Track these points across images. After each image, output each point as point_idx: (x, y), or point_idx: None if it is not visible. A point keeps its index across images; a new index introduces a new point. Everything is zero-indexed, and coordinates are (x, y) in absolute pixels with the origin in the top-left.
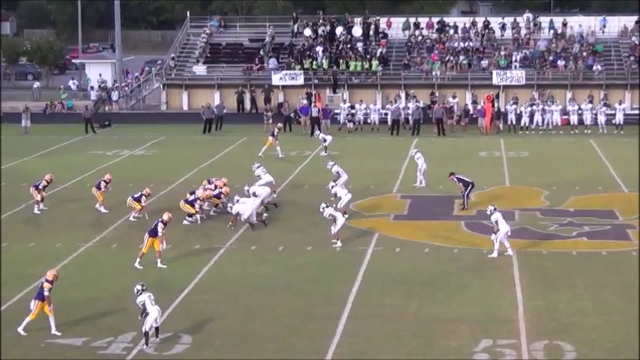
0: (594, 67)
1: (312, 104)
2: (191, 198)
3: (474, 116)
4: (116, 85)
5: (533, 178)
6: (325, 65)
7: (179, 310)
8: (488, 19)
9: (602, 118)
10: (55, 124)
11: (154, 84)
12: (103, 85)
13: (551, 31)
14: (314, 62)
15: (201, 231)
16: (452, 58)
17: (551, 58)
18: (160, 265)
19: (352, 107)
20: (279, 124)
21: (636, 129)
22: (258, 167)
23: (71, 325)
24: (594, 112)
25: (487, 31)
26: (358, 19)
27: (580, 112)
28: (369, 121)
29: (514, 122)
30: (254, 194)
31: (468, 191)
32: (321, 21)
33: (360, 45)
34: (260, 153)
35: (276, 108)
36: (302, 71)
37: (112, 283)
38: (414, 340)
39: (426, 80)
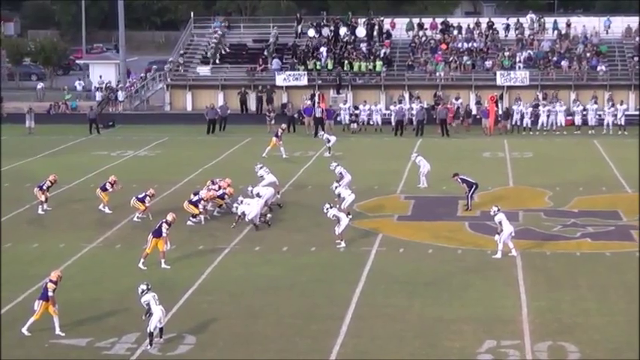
0: (598, 68)
1: (316, 105)
2: (195, 199)
3: (478, 117)
4: (120, 85)
5: (537, 179)
6: (329, 66)
7: (183, 310)
8: (492, 19)
9: (609, 119)
10: (59, 125)
11: (158, 85)
12: (108, 84)
13: (555, 32)
14: (318, 63)
15: (204, 232)
16: (456, 58)
17: (555, 58)
18: (163, 265)
19: (356, 108)
20: (283, 125)
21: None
22: (261, 168)
23: (75, 325)
24: (599, 112)
25: (491, 31)
26: (362, 20)
27: (585, 112)
28: (371, 122)
29: (518, 123)
30: (257, 195)
31: (471, 192)
32: (324, 22)
33: (363, 45)
34: (264, 154)
35: (280, 108)
36: (306, 72)
37: (116, 284)
38: (417, 340)
39: (429, 81)
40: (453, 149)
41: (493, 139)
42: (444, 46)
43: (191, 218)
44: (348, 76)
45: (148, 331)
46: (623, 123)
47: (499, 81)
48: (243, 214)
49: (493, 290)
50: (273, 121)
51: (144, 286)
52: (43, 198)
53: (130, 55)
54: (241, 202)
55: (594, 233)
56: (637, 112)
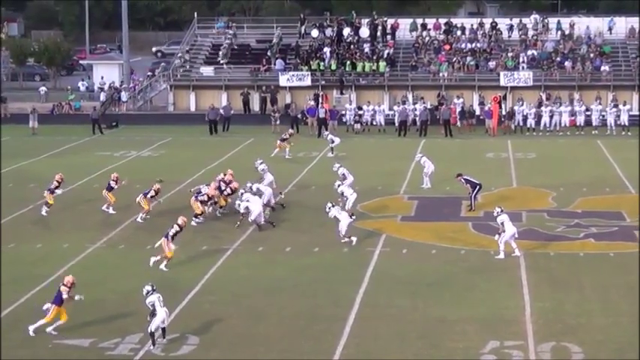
0: (602, 68)
1: (320, 105)
2: (201, 197)
3: (481, 117)
4: (124, 86)
5: (540, 180)
6: (332, 66)
7: (186, 311)
8: (496, 20)
9: (611, 119)
10: (62, 125)
11: (162, 85)
12: (112, 85)
13: (559, 32)
14: (321, 63)
15: (208, 232)
16: (459, 59)
17: (558, 59)
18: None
19: (359, 108)
20: (291, 130)
21: None
22: (261, 163)
23: (78, 325)
24: (603, 113)
25: (494, 32)
26: (365, 20)
27: (588, 113)
28: (374, 122)
29: (521, 123)
30: (258, 190)
31: (475, 192)
32: (328, 22)
33: (367, 46)
34: (272, 155)
35: (284, 109)
36: (309, 72)
37: (120, 284)
38: (420, 341)
39: (433, 81)
40: (456, 150)
41: (496, 140)
42: (447, 47)
43: (194, 218)
44: (352, 77)
45: (149, 331)
46: (626, 123)
47: (502, 81)
48: (247, 209)
49: (496, 291)
50: (277, 122)
51: (149, 287)
52: (51, 201)
53: (133, 56)
54: (241, 194)
55: (598, 234)
56: (639, 113)
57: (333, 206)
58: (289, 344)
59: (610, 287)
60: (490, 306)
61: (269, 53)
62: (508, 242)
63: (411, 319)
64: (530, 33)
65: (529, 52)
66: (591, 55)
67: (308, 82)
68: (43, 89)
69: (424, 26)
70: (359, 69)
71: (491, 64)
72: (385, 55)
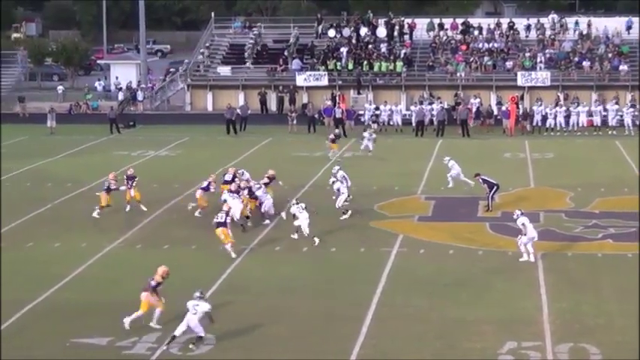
0: (620, 68)
1: (337, 105)
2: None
3: (499, 117)
4: (142, 85)
5: (558, 180)
6: (349, 66)
7: None
8: (513, 20)
9: (629, 120)
10: (80, 125)
11: (179, 85)
12: (129, 84)
13: (577, 32)
14: (338, 63)
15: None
16: (476, 59)
17: (576, 59)
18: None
19: (376, 108)
20: (337, 131)
21: None
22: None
23: (96, 324)
24: (620, 113)
25: (512, 32)
26: (382, 20)
27: (605, 113)
28: (391, 122)
29: (539, 123)
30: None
31: (492, 193)
32: (345, 22)
33: (384, 46)
34: (329, 155)
35: (301, 109)
36: (326, 72)
37: (137, 284)
38: (438, 341)
39: (450, 81)
40: (473, 150)
41: (514, 140)
42: (464, 47)
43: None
44: (369, 77)
45: (174, 334)
46: None
47: (520, 81)
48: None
49: (514, 291)
50: (294, 122)
51: (197, 294)
52: (104, 202)
53: (150, 55)
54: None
55: (616, 234)
56: None
57: (295, 204)
58: (306, 344)
59: (628, 288)
60: (507, 306)
61: (286, 53)
62: (525, 245)
63: (429, 320)
64: (548, 33)
65: (547, 52)
66: (609, 55)
67: (325, 82)
68: (60, 89)
69: (441, 26)
70: (376, 69)
71: (509, 64)
72: (402, 55)
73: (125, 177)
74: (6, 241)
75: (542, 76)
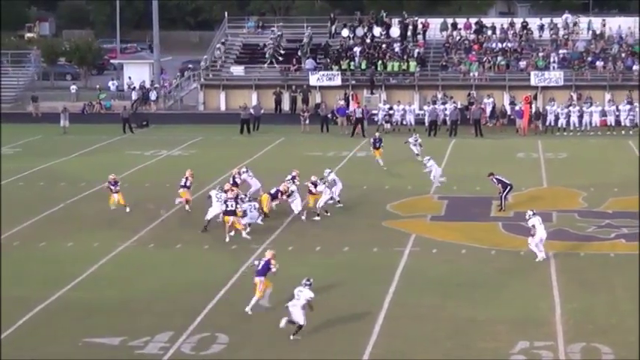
0: (634, 68)
1: (357, 105)
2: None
3: (512, 117)
4: (155, 85)
5: (571, 180)
6: (363, 66)
7: (216, 309)
8: (527, 19)
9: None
10: (93, 125)
11: (192, 84)
12: (142, 84)
13: (590, 32)
14: (351, 63)
15: (238, 231)
16: (489, 58)
17: (589, 58)
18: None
19: (390, 108)
20: (377, 134)
21: None
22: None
23: (108, 324)
24: (633, 113)
25: (525, 31)
26: (396, 20)
27: (617, 113)
28: (404, 122)
29: (552, 123)
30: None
31: (505, 193)
32: (358, 22)
33: (397, 46)
34: (382, 166)
35: (314, 109)
36: (339, 72)
37: (149, 283)
38: (450, 341)
39: (463, 81)
40: (486, 150)
41: (527, 140)
42: (477, 47)
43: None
44: (382, 76)
45: (299, 324)
46: None
47: (533, 81)
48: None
49: (527, 291)
50: (307, 121)
51: (305, 281)
52: (187, 196)
53: (164, 55)
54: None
55: (629, 234)
56: None
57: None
58: (319, 343)
59: None
60: (520, 306)
61: (299, 53)
62: (536, 246)
63: (441, 319)
64: (561, 33)
65: (560, 52)
66: (623, 54)
67: (338, 81)
68: (74, 88)
69: (454, 26)
70: (389, 69)
71: (522, 63)
72: (415, 55)
73: (108, 182)
74: (19, 239)
75: (556, 76)
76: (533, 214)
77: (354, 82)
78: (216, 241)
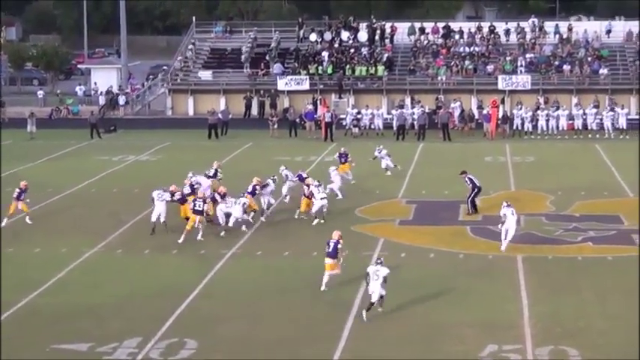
0: (600, 72)
1: (326, 110)
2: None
3: (479, 121)
4: (123, 90)
5: (538, 183)
6: (330, 70)
7: (185, 315)
8: (494, 23)
9: (608, 123)
10: (60, 130)
11: (160, 89)
12: (109, 88)
13: (557, 36)
14: (319, 67)
15: (206, 236)
16: (457, 62)
17: (556, 62)
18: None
19: (358, 112)
20: (343, 149)
21: None
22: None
23: (76, 330)
24: (599, 116)
25: (492, 35)
26: (364, 24)
27: (584, 116)
28: (373, 126)
29: (520, 127)
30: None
31: (472, 195)
32: (326, 26)
33: (365, 50)
34: (351, 180)
35: (282, 113)
36: (307, 76)
37: (118, 289)
38: (419, 344)
39: (431, 85)
40: (454, 154)
41: (495, 144)
42: (445, 51)
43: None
44: (350, 81)
45: (370, 301)
46: (624, 127)
47: (501, 85)
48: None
49: (495, 294)
50: (275, 126)
51: (377, 260)
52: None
53: (131, 60)
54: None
55: (596, 237)
56: (638, 117)
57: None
58: (288, 348)
59: (608, 291)
60: (488, 310)
61: (267, 57)
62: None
63: (410, 323)
64: (529, 37)
65: (527, 56)
66: (589, 58)
67: (306, 86)
68: (41, 93)
69: (422, 30)
70: (357, 73)
71: (490, 67)
72: (383, 59)
73: (18, 189)
74: None
75: (523, 80)
76: (507, 205)
77: (322, 86)
78: (185, 247)
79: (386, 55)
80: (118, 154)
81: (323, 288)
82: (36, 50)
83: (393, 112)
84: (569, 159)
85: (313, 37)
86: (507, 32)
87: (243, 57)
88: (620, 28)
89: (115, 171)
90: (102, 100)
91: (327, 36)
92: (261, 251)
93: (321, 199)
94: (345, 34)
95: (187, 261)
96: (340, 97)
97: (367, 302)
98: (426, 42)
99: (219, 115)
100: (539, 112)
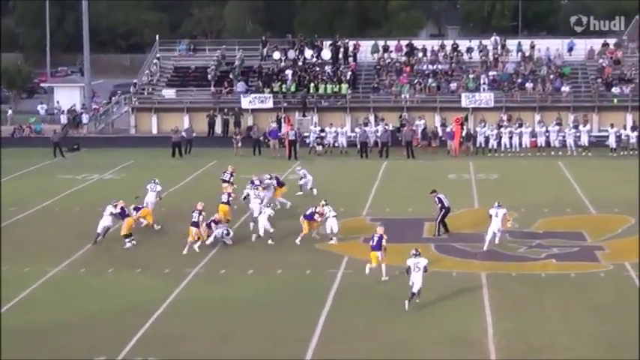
0: (562, 89)
1: (290, 128)
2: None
3: (443, 139)
4: (85, 108)
5: (502, 201)
6: (294, 88)
7: (150, 334)
8: (457, 42)
9: (571, 140)
10: (23, 148)
11: (123, 108)
12: (72, 107)
13: (519, 54)
14: (283, 85)
15: (170, 255)
16: (420, 80)
17: (519, 80)
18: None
19: (322, 130)
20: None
21: (601, 151)
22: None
23: (40, 349)
24: (562, 134)
25: (455, 53)
26: (327, 42)
27: (547, 134)
28: (337, 144)
29: (483, 144)
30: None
31: (441, 216)
32: (290, 44)
33: (329, 68)
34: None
35: (246, 131)
36: (271, 94)
37: (82, 308)
38: None
39: (395, 103)
40: (418, 171)
41: (458, 161)
42: (408, 69)
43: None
44: (314, 99)
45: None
46: (587, 144)
47: (464, 103)
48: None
49: (459, 312)
50: (239, 144)
51: (414, 252)
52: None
53: (95, 78)
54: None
55: (559, 254)
56: (600, 134)
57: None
58: None
59: (572, 307)
60: (453, 327)
61: (231, 75)
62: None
63: (375, 340)
64: (491, 54)
65: (490, 74)
66: (551, 76)
67: (270, 104)
68: (10, 113)
69: (386, 48)
70: (321, 91)
71: (453, 85)
72: (347, 77)
73: None
74: None
75: (486, 98)
76: (498, 205)
77: (286, 104)
78: (149, 265)
79: (349, 73)
80: (82, 172)
81: (368, 271)
82: None
83: (357, 130)
84: (532, 176)
85: (277, 55)
86: (470, 50)
87: (209, 75)
88: (582, 46)
89: (78, 189)
90: (63, 119)
91: (291, 54)
92: (225, 269)
93: (334, 216)
94: (308, 53)
95: (151, 280)
96: (304, 116)
97: (409, 293)
98: (389, 60)
99: (183, 134)
100: (502, 129)
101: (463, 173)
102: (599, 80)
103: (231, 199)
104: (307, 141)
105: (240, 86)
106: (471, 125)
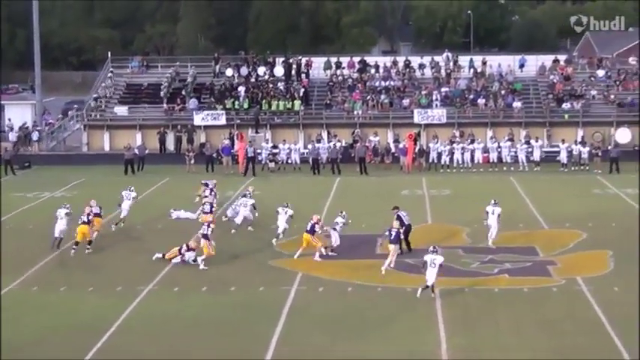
0: (514, 105)
1: (248, 145)
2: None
3: (396, 155)
4: (36, 126)
5: (455, 216)
6: (247, 105)
7: (102, 353)
8: (409, 58)
9: (522, 156)
10: None
11: (75, 125)
12: (24, 125)
13: (471, 70)
14: (236, 102)
15: (122, 273)
16: (373, 97)
17: (471, 96)
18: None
19: (275, 147)
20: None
21: (552, 166)
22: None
23: None
24: (514, 149)
25: (408, 70)
26: (280, 59)
27: (499, 149)
28: (290, 161)
29: (436, 160)
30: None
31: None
32: (242, 61)
33: (282, 84)
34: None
35: (199, 148)
36: (224, 111)
37: (35, 326)
38: None
39: (347, 119)
40: (371, 187)
41: (411, 177)
42: (361, 85)
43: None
44: (267, 115)
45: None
46: (538, 160)
47: (417, 119)
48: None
49: (412, 327)
50: (192, 161)
51: (432, 248)
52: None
53: (46, 96)
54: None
55: (512, 269)
56: (551, 149)
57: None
58: None
59: (525, 322)
60: (407, 342)
61: (184, 92)
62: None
63: (329, 358)
64: (443, 71)
65: (442, 90)
66: (503, 92)
67: (223, 121)
68: None
69: (338, 64)
70: (274, 107)
71: (405, 101)
72: (300, 94)
73: None
74: None
75: (439, 114)
76: (495, 203)
77: (239, 121)
78: (101, 283)
79: (302, 89)
80: (33, 190)
81: (384, 267)
82: None
83: (309, 146)
84: (484, 191)
85: (229, 72)
86: (422, 66)
87: (162, 92)
88: (533, 62)
89: (30, 207)
90: (12, 137)
91: (244, 71)
92: (178, 287)
93: (290, 215)
94: (261, 69)
95: (104, 298)
96: (257, 132)
97: (423, 284)
98: (341, 76)
99: (136, 151)
100: (454, 145)
101: (416, 189)
102: (550, 96)
103: (210, 230)
104: (260, 158)
105: (192, 103)
106: (424, 141)
